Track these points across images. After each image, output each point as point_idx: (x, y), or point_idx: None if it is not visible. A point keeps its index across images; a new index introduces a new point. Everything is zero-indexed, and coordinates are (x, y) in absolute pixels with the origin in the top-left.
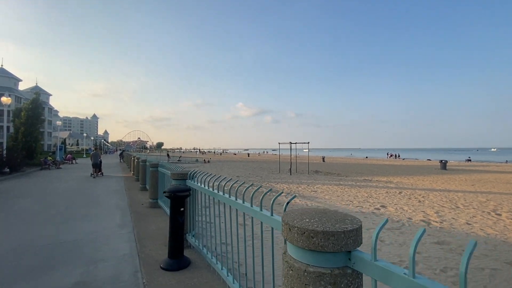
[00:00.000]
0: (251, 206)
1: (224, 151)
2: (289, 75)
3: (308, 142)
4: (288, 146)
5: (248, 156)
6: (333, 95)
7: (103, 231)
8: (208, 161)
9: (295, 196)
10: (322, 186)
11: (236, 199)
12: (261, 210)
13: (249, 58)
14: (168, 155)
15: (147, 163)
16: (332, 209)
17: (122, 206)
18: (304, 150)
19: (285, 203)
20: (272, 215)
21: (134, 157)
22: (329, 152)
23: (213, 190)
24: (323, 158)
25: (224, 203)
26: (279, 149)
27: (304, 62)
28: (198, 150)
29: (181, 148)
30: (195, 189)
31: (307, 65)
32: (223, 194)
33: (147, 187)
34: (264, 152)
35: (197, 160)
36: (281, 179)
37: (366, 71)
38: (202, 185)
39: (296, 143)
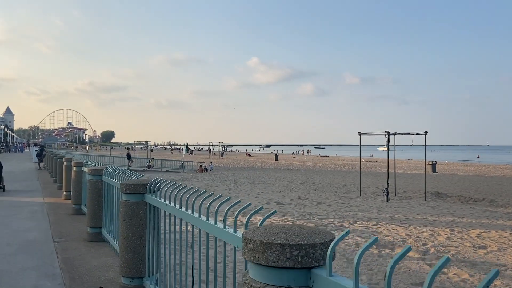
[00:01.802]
0: None
1: (226, 148)
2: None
3: (426, 133)
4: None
5: (276, 159)
6: (433, 39)
7: None
8: (206, 169)
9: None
10: (486, 232)
11: None
12: None
13: None
14: (128, 155)
15: (84, 169)
16: None
17: None
18: (380, 149)
19: None
20: None
21: (64, 158)
22: (429, 152)
23: None
24: (434, 166)
25: None
26: (360, 145)
27: None
28: (176, 147)
29: (147, 143)
30: None
31: None
32: None
33: (84, 208)
34: (301, 151)
35: (182, 166)
36: (374, 211)
37: None
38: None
39: (395, 134)
